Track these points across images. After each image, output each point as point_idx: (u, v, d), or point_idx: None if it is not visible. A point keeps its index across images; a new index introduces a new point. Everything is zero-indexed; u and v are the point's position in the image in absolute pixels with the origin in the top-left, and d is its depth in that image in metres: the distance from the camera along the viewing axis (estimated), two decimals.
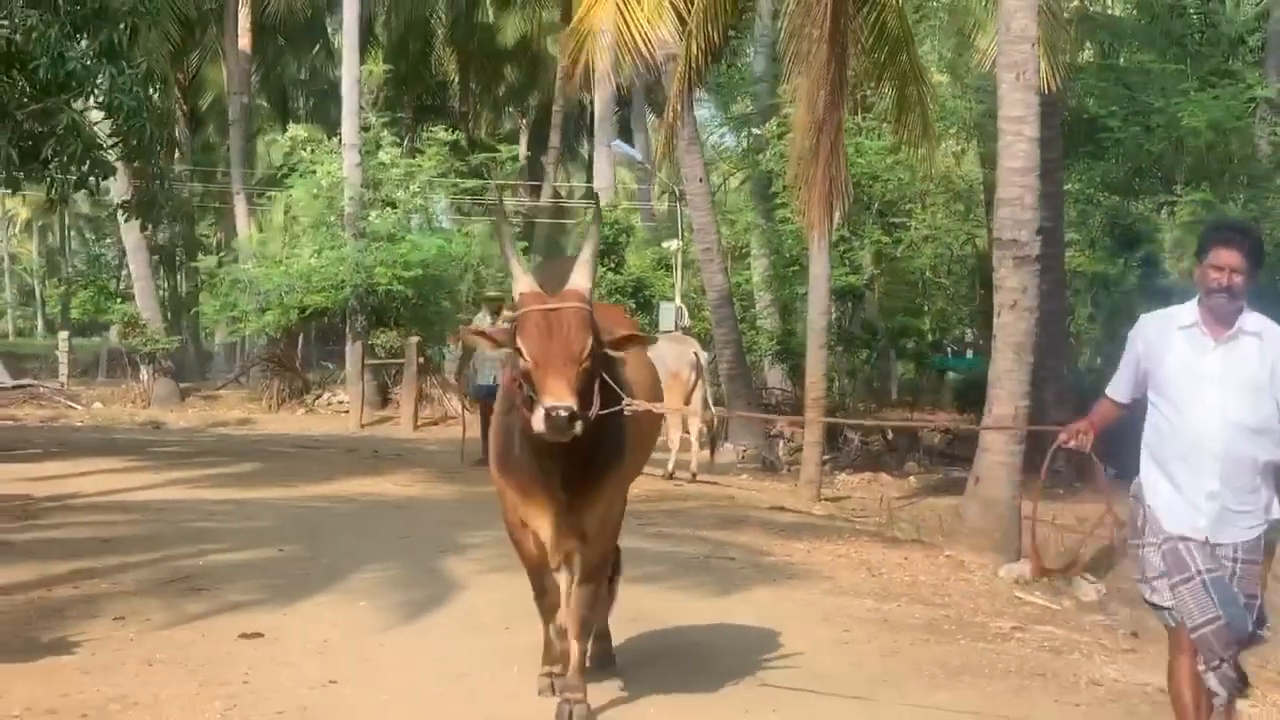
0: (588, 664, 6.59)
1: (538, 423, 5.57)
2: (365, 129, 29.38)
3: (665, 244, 31.01)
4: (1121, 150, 23.58)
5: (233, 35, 36.64)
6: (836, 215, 16.93)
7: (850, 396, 25.70)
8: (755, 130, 27.72)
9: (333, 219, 29.05)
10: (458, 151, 32.22)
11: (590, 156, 44.93)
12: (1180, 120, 22.78)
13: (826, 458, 18.45)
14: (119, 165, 17.50)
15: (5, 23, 14.70)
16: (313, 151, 29.84)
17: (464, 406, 21.94)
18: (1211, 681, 5.39)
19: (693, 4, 17.91)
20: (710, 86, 28.22)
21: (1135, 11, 28.37)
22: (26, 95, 14.82)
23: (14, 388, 30.09)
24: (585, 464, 5.98)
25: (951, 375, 31.16)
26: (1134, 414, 5.77)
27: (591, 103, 38.44)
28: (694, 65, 18.17)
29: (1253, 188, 23.55)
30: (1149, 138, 23.47)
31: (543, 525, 6.22)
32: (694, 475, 17.22)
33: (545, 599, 6.67)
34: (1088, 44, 26.70)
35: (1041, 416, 15.95)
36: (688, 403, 16.76)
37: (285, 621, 8.24)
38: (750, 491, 17.14)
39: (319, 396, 29.63)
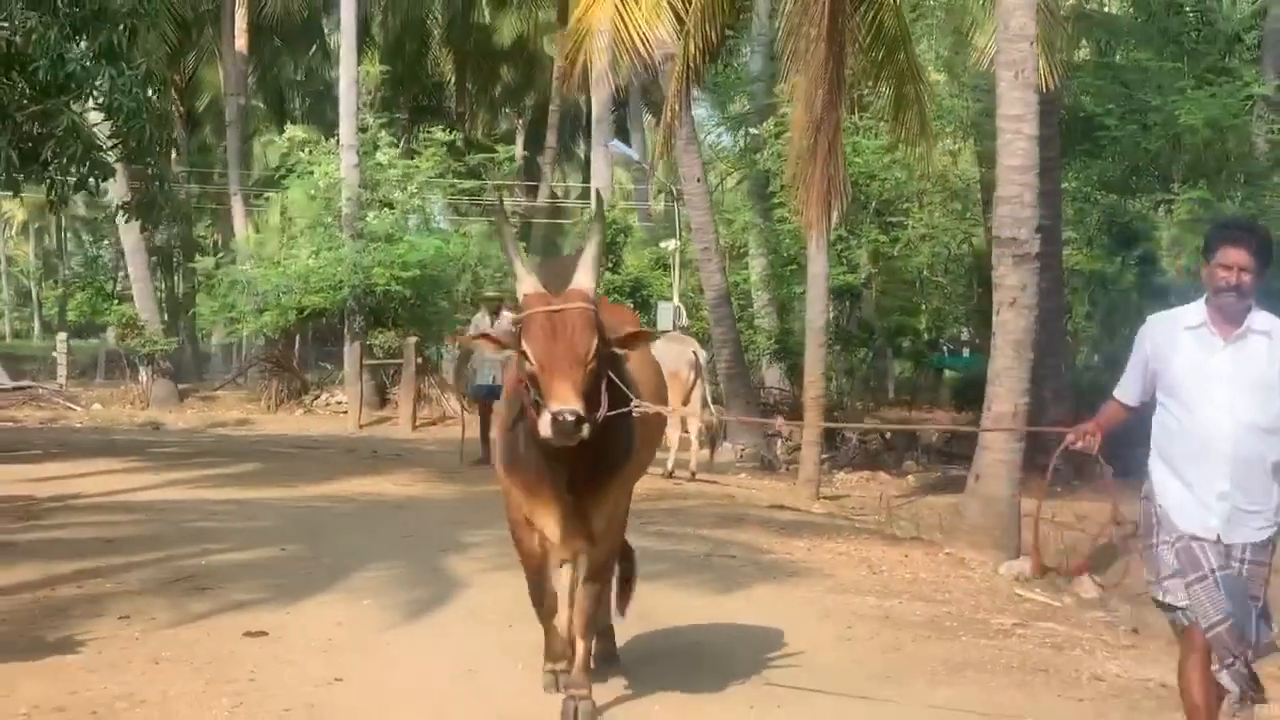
0: (591, 662, 6.61)
1: (544, 428, 5.54)
2: (363, 130, 29.40)
3: (663, 244, 31.04)
4: (1119, 148, 23.61)
5: (229, 36, 36.69)
6: (835, 214, 16.95)
7: (848, 395, 25.74)
8: (753, 130, 27.75)
9: (330, 220, 29.06)
10: (454, 152, 32.23)
11: (587, 157, 44.98)
12: (1177, 118, 22.82)
13: (825, 456, 18.49)
14: (118, 167, 17.51)
15: (5, 24, 14.71)
16: (310, 152, 29.85)
17: (463, 407, 21.98)
18: (1225, 679, 5.38)
19: (690, 4, 17.91)
20: (707, 86, 28.22)
21: (1132, 9, 28.42)
22: (26, 97, 14.83)
23: (13, 389, 30.10)
24: (593, 463, 5.95)
25: (949, 374, 31.22)
26: (1140, 415, 5.76)
27: (588, 103, 38.49)
28: (692, 65, 18.17)
29: (1250, 185, 23.59)
30: (1146, 136, 23.51)
31: (550, 524, 6.21)
32: (693, 474, 17.25)
33: (544, 605, 6.64)
34: (1084, 42, 26.73)
35: (1040, 414, 15.99)
36: (687, 402, 16.77)
37: (289, 620, 8.27)
38: (749, 490, 17.16)
39: (317, 397, 29.65)
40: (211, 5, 37.20)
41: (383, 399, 28.47)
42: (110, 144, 15.89)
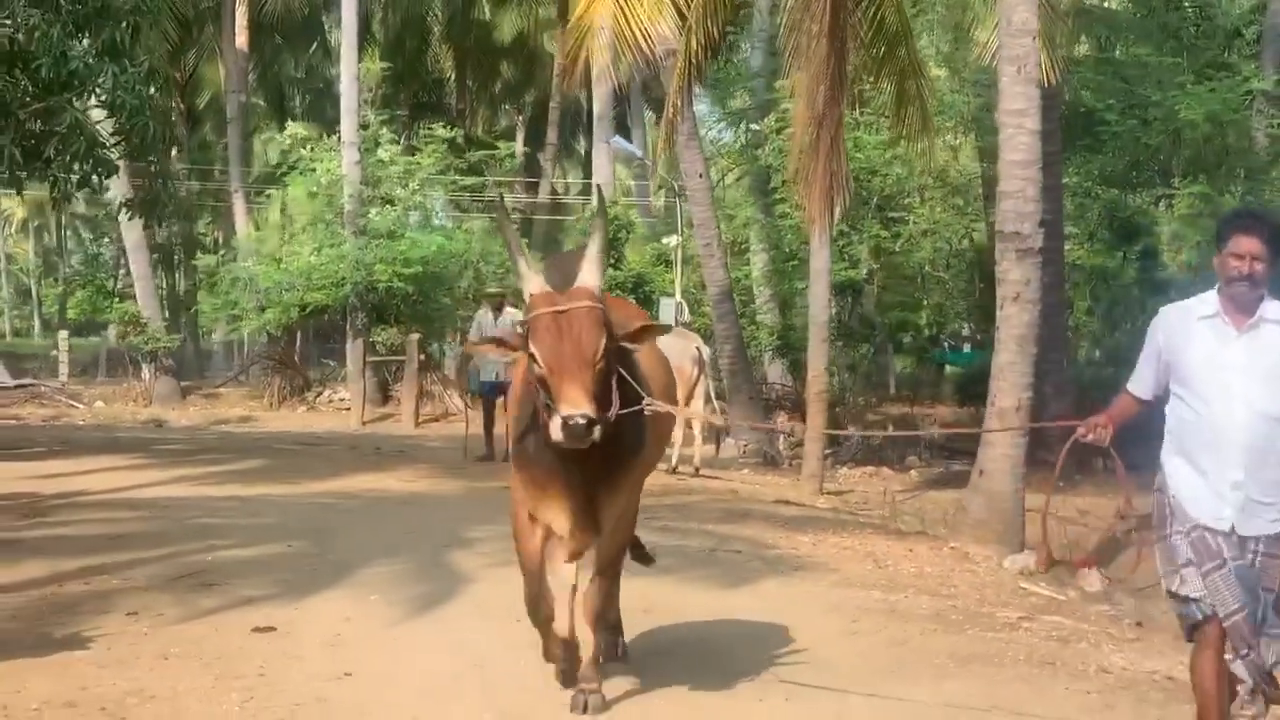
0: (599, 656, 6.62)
1: (555, 432, 5.51)
2: (364, 127, 29.41)
3: (665, 240, 31.05)
4: (1119, 143, 23.62)
5: (230, 34, 36.67)
6: (837, 210, 16.96)
7: (850, 391, 25.72)
8: (754, 126, 27.74)
9: (331, 217, 29.08)
10: (455, 149, 32.24)
11: (587, 153, 44.99)
12: (1177, 113, 22.84)
13: (828, 452, 18.50)
14: (120, 164, 17.51)
15: (7, 22, 14.72)
16: (312, 149, 29.86)
17: (465, 404, 22.01)
18: (1239, 669, 5.37)
19: (692, 0, 17.93)
20: (708, 82, 28.22)
21: (1131, 5, 28.41)
22: (29, 94, 14.86)
23: (15, 387, 30.12)
24: (605, 459, 5.88)
25: (950, 369, 31.22)
26: (1153, 408, 5.75)
27: (589, 99, 38.48)
28: (694, 61, 18.16)
29: (1250, 180, 23.62)
30: (1146, 131, 23.53)
31: (560, 520, 6.16)
32: (697, 469, 17.29)
33: (540, 609, 6.49)
34: (1084, 37, 26.74)
35: (1042, 409, 15.99)
36: (691, 397, 16.78)
37: (297, 616, 8.30)
38: (753, 486, 17.19)
39: (320, 394, 29.66)
40: (212, 2, 37.18)
41: (385, 396, 28.48)
42: (113, 141, 15.91)
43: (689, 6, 17.89)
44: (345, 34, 29.87)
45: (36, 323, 71.84)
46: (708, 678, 7.06)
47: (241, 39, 36.78)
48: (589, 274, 5.82)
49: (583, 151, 48.73)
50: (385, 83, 39.14)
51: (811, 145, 16.10)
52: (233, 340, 44.72)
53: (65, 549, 10.17)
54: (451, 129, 32.29)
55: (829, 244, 17.45)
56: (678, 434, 17.08)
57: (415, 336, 26.01)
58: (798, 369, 25.05)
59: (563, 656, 6.64)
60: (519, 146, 44.78)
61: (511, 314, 17.64)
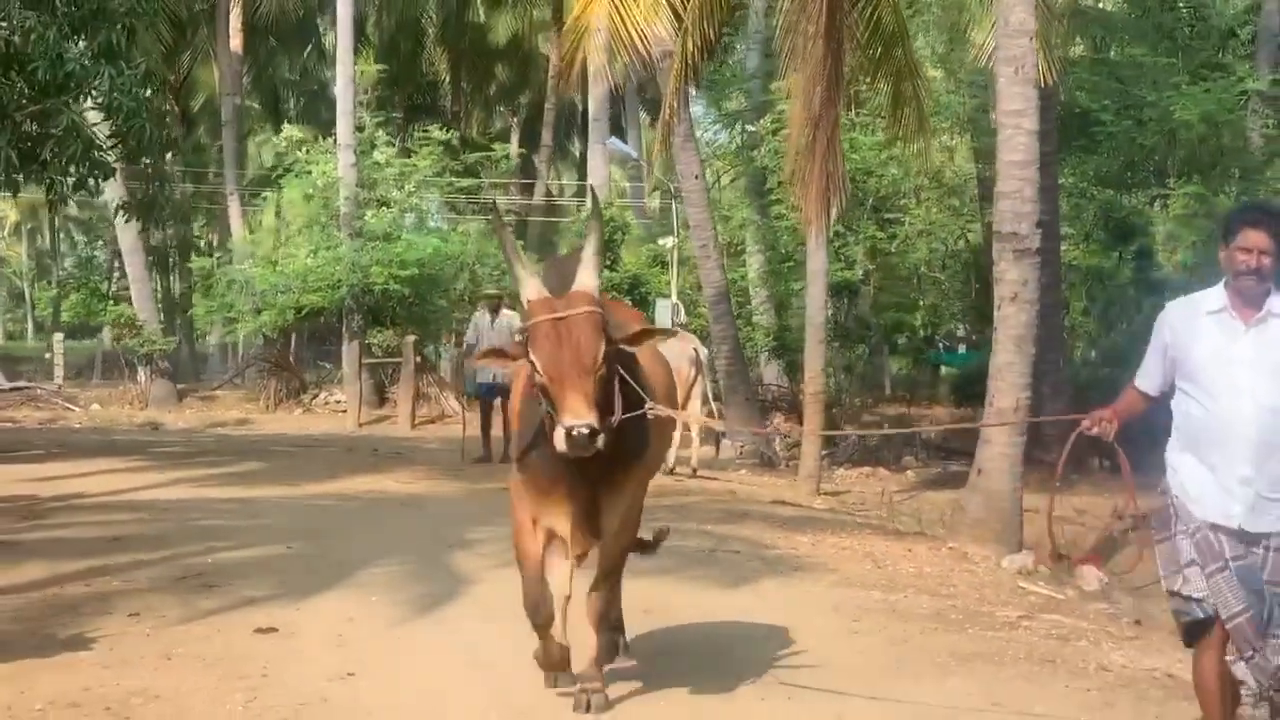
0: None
1: (559, 442, 5.50)
2: (359, 129, 29.42)
3: (661, 241, 31.08)
4: (1114, 144, 23.67)
5: (224, 36, 36.64)
6: (834, 211, 16.97)
7: (846, 392, 25.76)
8: (750, 127, 27.77)
9: (327, 219, 29.08)
10: (450, 151, 32.27)
11: (582, 154, 45.00)
12: (1172, 113, 22.90)
13: (824, 453, 18.50)
14: (116, 166, 17.52)
15: (3, 24, 14.76)
16: (308, 152, 29.87)
17: (462, 405, 22.02)
18: (1240, 671, 5.32)
19: (688, 1, 17.94)
20: (703, 84, 28.25)
21: (1126, 5, 28.47)
22: (25, 96, 14.90)
23: (11, 390, 30.12)
24: (609, 462, 5.85)
25: (946, 369, 31.27)
26: (1159, 404, 5.71)
27: (584, 101, 38.50)
28: (690, 62, 18.19)
29: (1245, 180, 23.67)
30: (1141, 131, 23.58)
31: (564, 523, 6.14)
32: (694, 470, 17.30)
33: (540, 612, 6.39)
34: (1078, 38, 26.79)
35: (1039, 409, 16.02)
36: (688, 399, 16.80)
37: (299, 616, 8.31)
38: (750, 486, 17.21)
39: (316, 396, 29.68)
40: (206, 5, 37.12)
41: (381, 398, 28.50)
42: (110, 144, 15.91)
43: (685, 8, 17.90)
44: (340, 36, 29.91)
45: (30, 326, 71.81)
46: (709, 677, 7.07)
47: (236, 41, 36.79)
48: (586, 277, 5.79)
49: (577, 153, 48.75)
50: (380, 85, 39.16)
51: (808, 146, 16.11)
52: (228, 343, 44.73)
53: (65, 551, 10.17)
54: (447, 131, 32.31)
55: (825, 245, 17.47)
56: (675, 435, 17.10)
57: (411, 338, 26.01)
58: (794, 370, 25.09)
59: (555, 661, 6.58)
60: (514, 148, 44.79)
61: (509, 315, 17.65)
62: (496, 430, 17.71)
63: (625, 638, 7.34)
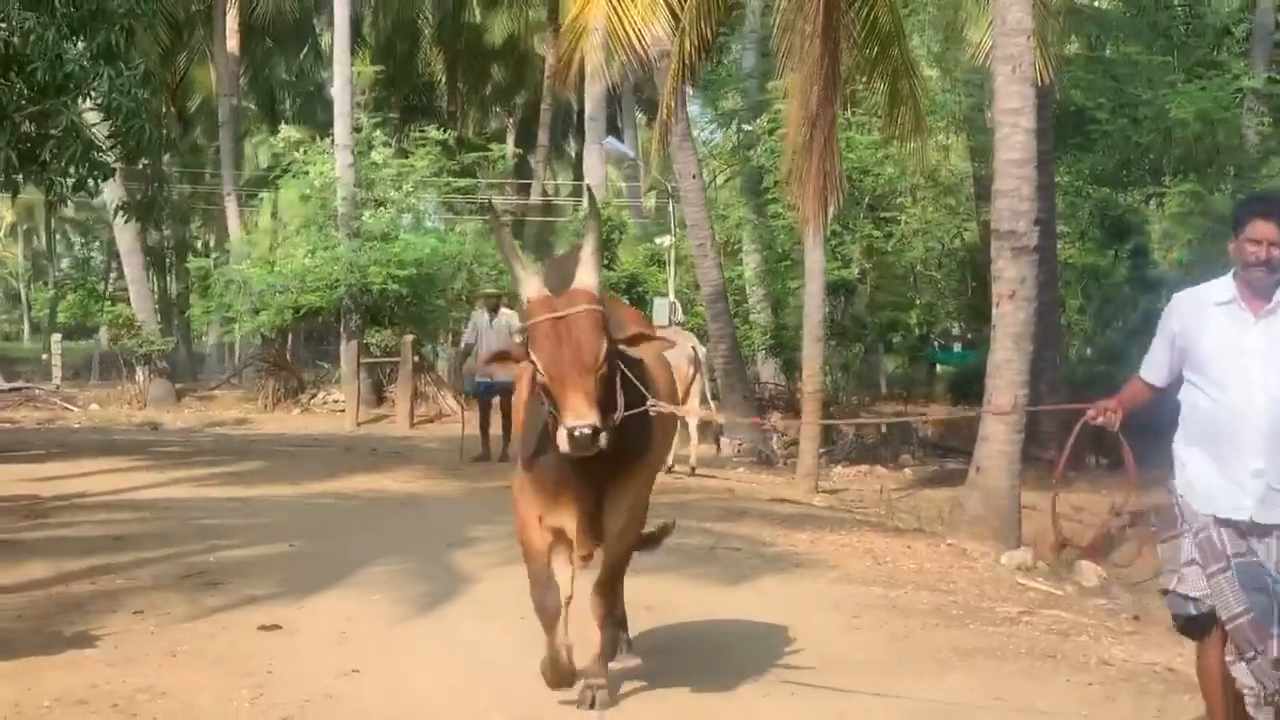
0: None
1: (562, 442, 5.50)
2: (356, 129, 29.45)
3: (658, 240, 31.11)
4: (1110, 142, 23.76)
5: (221, 37, 36.64)
6: (831, 210, 17.02)
7: (843, 390, 25.81)
8: (746, 126, 27.82)
9: (324, 219, 29.10)
10: (447, 151, 32.30)
11: (578, 154, 44.99)
12: (1168, 112, 22.99)
13: (822, 451, 18.56)
14: (116, 167, 17.54)
15: (2, 25, 14.74)
16: (305, 152, 29.89)
17: (460, 405, 22.05)
18: (1240, 672, 5.28)
19: (685, 1, 17.98)
20: (699, 83, 28.30)
21: (1121, 3, 28.54)
22: (25, 97, 14.87)
23: (10, 390, 30.14)
24: (613, 461, 5.85)
25: (942, 368, 31.30)
26: (1163, 395, 5.68)
27: (580, 101, 38.52)
28: (687, 62, 18.24)
29: (1240, 178, 23.74)
30: (1137, 129, 23.66)
31: (570, 522, 6.13)
32: (693, 469, 17.33)
33: (547, 608, 6.33)
34: (1074, 36, 26.85)
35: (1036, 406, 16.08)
36: (686, 396, 16.84)
37: (302, 614, 8.34)
38: (748, 484, 17.26)
39: (314, 396, 29.66)
40: (203, 6, 37.14)
41: (380, 397, 28.49)
42: (109, 144, 15.92)
43: (682, 8, 17.95)
44: (337, 37, 29.91)
45: (26, 327, 71.76)
46: (712, 675, 7.09)
47: (232, 42, 36.80)
48: (586, 275, 5.77)
49: (573, 153, 48.75)
50: (377, 86, 39.20)
51: (805, 145, 16.17)
52: (225, 343, 44.75)
53: (68, 549, 10.19)
54: (444, 131, 32.34)
55: (823, 244, 17.52)
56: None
57: (409, 338, 26.03)
58: (791, 368, 25.15)
59: (562, 675, 6.47)
60: (509, 149, 44.83)
61: (507, 315, 17.69)
62: (495, 429, 17.79)
63: (629, 635, 7.36)
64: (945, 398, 28.00)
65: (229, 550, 10.49)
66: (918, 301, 26.80)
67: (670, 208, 30.69)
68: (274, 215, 32.71)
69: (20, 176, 15.98)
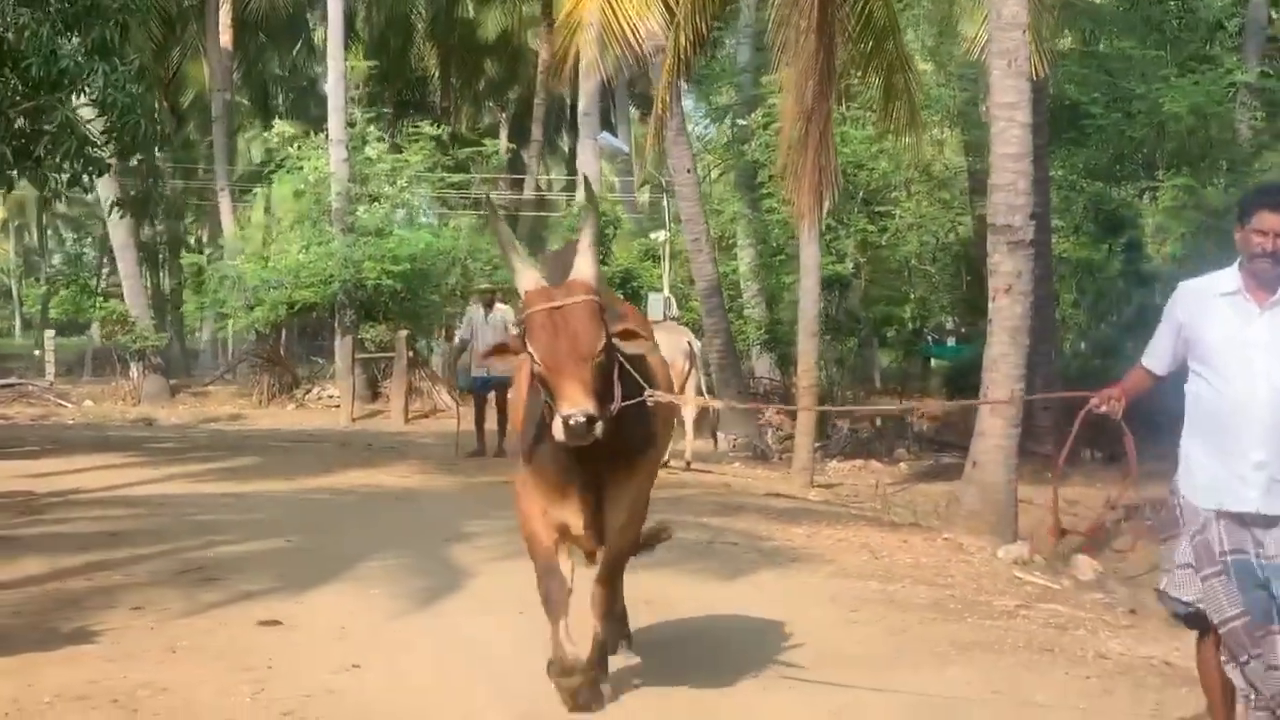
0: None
1: (558, 431, 5.49)
2: (350, 125, 29.43)
3: (652, 235, 31.13)
4: (1103, 136, 23.75)
5: (214, 32, 36.57)
6: (826, 204, 17.02)
7: (839, 385, 25.81)
8: (741, 121, 27.81)
9: (318, 215, 29.08)
10: (441, 146, 32.29)
11: (571, 149, 45.00)
12: (1161, 106, 22.99)
13: (817, 445, 18.57)
14: (110, 163, 17.52)
15: None
16: (299, 148, 29.85)
17: (455, 400, 22.05)
18: (1235, 675, 5.26)
19: None
20: (694, 78, 28.28)
21: None
22: (19, 93, 14.88)
23: (3, 386, 30.10)
24: (615, 455, 5.86)
25: (936, 362, 31.30)
26: (1165, 384, 5.65)
27: (573, 96, 38.50)
28: (682, 56, 18.20)
29: (1233, 172, 23.78)
30: (1130, 123, 23.67)
31: (572, 517, 6.12)
32: (688, 464, 17.33)
33: (553, 600, 6.27)
34: (1067, 30, 26.85)
35: (1031, 402, 16.09)
36: (681, 392, 16.84)
37: (301, 609, 8.33)
38: (744, 479, 17.28)
39: (308, 391, 29.65)
40: (196, 1, 37.10)
41: (374, 393, 28.46)
42: (104, 140, 15.91)
43: (677, 2, 17.92)
44: (331, 31, 29.89)
45: (18, 323, 71.62)
46: (711, 670, 7.11)
47: (225, 37, 36.73)
48: (583, 266, 5.76)
49: (567, 148, 48.73)
50: (370, 81, 39.16)
51: (800, 140, 16.17)
52: (219, 338, 44.68)
53: (64, 545, 10.19)
54: (437, 126, 32.31)
55: (818, 239, 17.52)
56: None
57: (404, 333, 26.06)
58: (785, 363, 25.16)
59: (570, 669, 6.34)
60: (503, 144, 44.82)
61: (502, 310, 17.72)
62: (490, 424, 17.81)
63: (629, 630, 7.35)
64: (940, 392, 27.97)
65: (226, 546, 10.50)
66: (912, 296, 26.77)
67: (665, 202, 30.69)
68: (267, 210, 32.69)
69: (15, 172, 15.94)
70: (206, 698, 6.47)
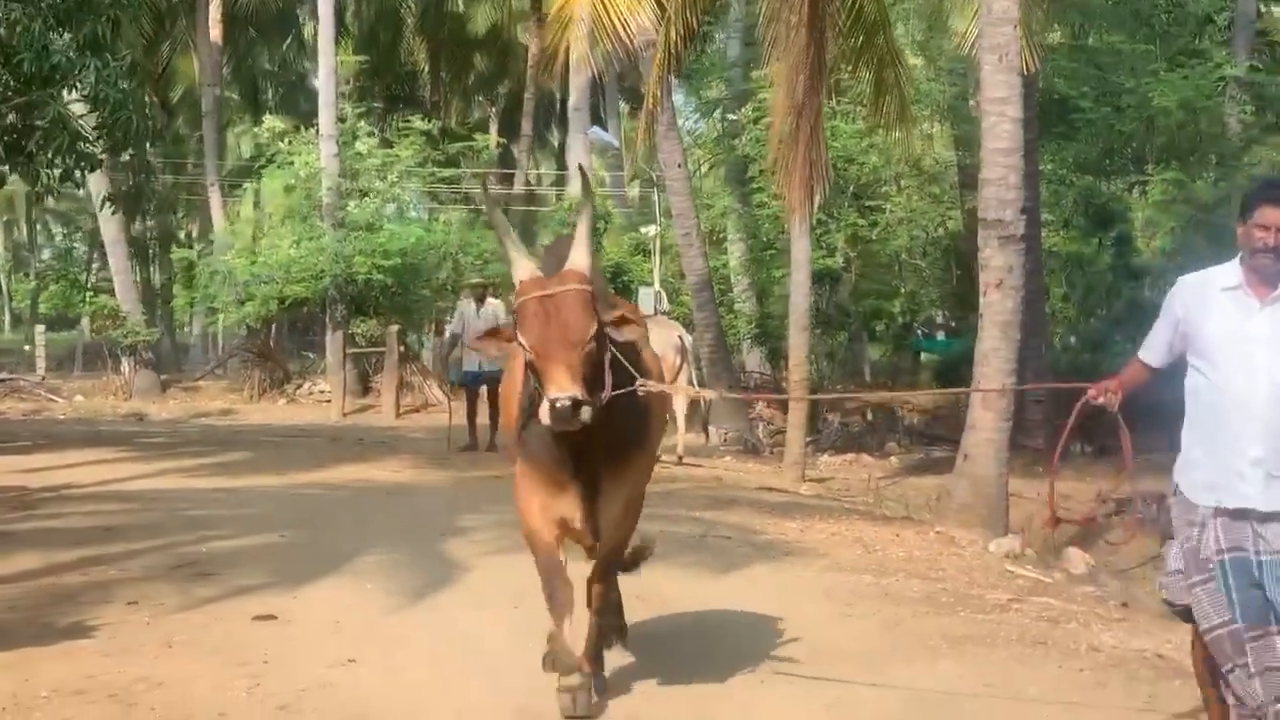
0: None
1: (544, 415, 5.49)
2: (341, 120, 29.41)
3: (643, 229, 31.15)
4: (1093, 130, 23.83)
5: (204, 27, 36.55)
6: (816, 198, 17.05)
7: (829, 379, 25.89)
8: (731, 115, 27.86)
9: (309, 210, 29.06)
10: (431, 141, 32.26)
11: (561, 144, 44.96)
12: (1151, 100, 23.08)
13: (808, 440, 18.61)
14: (102, 158, 17.51)
15: None
16: (290, 142, 29.83)
17: (446, 394, 22.06)
18: (1232, 684, 5.19)
19: None
20: (685, 72, 28.31)
21: None
22: (11, 89, 14.84)
23: None
24: (609, 447, 5.88)
25: (926, 356, 31.39)
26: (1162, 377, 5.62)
27: (564, 91, 38.49)
28: (672, 51, 18.26)
29: (1222, 166, 23.89)
30: (1120, 118, 23.74)
31: (568, 511, 6.12)
32: (680, 458, 17.36)
33: (557, 597, 6.25)
34: (1057, 25, 26.90)
35: (1021, 395, 16.15)
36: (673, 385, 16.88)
37: (296, 604, 8.35)
38: (736, 473, 17.29)
39: (299, 386, 29.64)
40: None
41: (365, 387, 28.48)
42: (95, 135, 15.89)
43: None
44: (322, 27, 29.87)
45: (7, 318, 71.44)
46: (707, 664, 7.13)
47: (215, 32, 36.71)
48: (578, 255, 5.75)
49: (557, 143, 48.69)
50: (360, 76, 39.13)
51: (791, 134, 16.20)
52: (210, 333, 44.64)
53: (59, 541, 10.20)
54: (427, 121, 32.30)
55: (808, 233, 17.55)
56: None
57: (395, 328, 26.05)
58: (776, 357, 25.23)
59: (571, 668, 6.32)
60: (493, 138, 44.78)
61: (494, 304, 17.75)
62: (482, 418, 17.82)
63: (624, 623, 7.37)
64: (930, 385, 28.03)
65: (219, 541, 10.50)
66: (902, 290, 26.89)
67: (655, 197, 30.74)
68: (257, 205, 32.67)
69: (6, 168, 15.93)
70: (202, 692, 6.48)
